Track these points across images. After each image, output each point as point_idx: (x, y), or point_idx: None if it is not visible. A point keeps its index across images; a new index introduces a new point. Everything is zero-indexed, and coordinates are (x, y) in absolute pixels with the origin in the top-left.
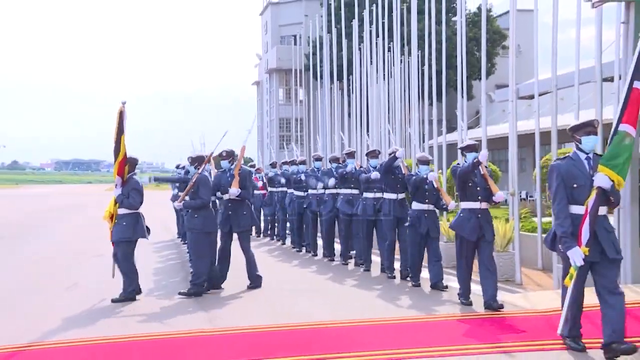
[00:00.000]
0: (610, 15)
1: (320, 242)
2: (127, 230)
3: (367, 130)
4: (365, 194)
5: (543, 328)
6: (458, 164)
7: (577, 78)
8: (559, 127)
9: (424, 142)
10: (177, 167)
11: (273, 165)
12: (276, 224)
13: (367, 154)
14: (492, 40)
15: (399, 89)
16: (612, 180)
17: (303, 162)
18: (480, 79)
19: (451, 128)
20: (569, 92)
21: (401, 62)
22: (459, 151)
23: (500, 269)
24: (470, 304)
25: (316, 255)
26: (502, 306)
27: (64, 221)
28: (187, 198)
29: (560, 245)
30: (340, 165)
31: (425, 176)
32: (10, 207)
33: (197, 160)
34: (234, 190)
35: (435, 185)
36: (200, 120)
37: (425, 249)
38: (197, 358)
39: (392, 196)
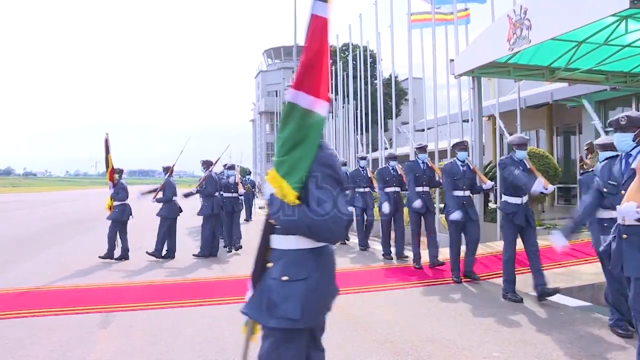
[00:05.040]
0: (465, 83)
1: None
2: (118, 214)
3: None
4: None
5: (431, 273)
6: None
7: (449, 119)
8: (439, 149)
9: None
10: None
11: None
12: None
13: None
14: (398, 95)
15: (342, 124)
16: None
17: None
18: (392, 118)
19: (374, 149)
20: (444, 127)
21: (343, 107)
22: (596, 147)
23: (407, 236)
24: (631, 336)
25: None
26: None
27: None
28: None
29: None
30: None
31: (520, 160)
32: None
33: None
34: (193, 189)
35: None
36: (215, 145)
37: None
38: (217, 293)
39: (459, 193)
